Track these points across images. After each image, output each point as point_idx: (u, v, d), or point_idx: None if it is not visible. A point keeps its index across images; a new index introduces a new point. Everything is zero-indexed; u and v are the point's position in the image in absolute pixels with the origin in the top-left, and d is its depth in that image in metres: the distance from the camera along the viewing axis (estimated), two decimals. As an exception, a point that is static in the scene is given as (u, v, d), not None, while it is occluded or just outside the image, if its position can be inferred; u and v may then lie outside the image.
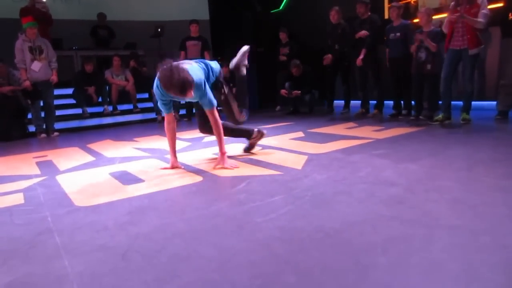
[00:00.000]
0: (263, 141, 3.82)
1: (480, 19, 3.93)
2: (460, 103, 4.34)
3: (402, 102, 5.19)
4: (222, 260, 1.38)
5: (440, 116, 4.31)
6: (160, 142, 4.24)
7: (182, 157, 3.26)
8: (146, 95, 7.30)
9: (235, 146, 3.50)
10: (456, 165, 2.51)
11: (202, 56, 6.48)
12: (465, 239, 1.43)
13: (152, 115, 6.90)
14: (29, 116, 5.66)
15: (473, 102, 4.31)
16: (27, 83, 5.20)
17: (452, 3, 4.17)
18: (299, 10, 8.42)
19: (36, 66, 5.24)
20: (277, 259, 1.36)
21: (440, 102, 4.41)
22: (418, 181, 2.19)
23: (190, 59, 6.64)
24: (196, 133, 4.66)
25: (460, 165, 2.50)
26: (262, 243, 1.49)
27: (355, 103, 6.06)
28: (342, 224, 1.63)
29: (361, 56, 5.29)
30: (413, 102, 4.97)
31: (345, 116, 5.71)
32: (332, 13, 5.89)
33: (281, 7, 9.00)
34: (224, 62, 6.92)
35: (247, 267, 1.32)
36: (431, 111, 4.60)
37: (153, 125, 6.29)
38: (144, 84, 7.11)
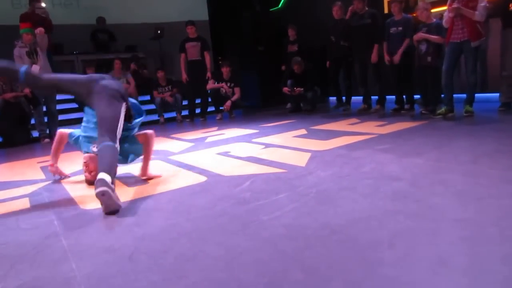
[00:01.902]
0: (266, 140, 3.83)
1: (477, 12, 3.91)
2: (462, 95, 4.31)
3: (404, 96, 5.17)
4: (228, 259, 1.38)
5: (443, 109, 4.29)
6: (163, 144, 4.24)
7: (185, 158, 3.27)
8: (147, 97, 7.31)
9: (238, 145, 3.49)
10: (461, 158, 2.50)
11: (202, 56, 6.48)
12: (472, 231, 1.42)
13: (154, 117, 6.91)
14: (33, 121, 5.69)
15: (476, 94, 4.28)
16: (27, 89, 5.22)
17: None
18: (298, 8, 8.41)
19: (34, 69, 5.25)
20: (284, 257, 1.36)
21: (443, 95, 4.39)
22: (423, 175, 2.18)
23: (190, 60, 6.65)
24: (198, 134, 4.67)
25: (465, 158, 2.48)
26: (268, 241, 1.49)
27: (356, 98, 6.05)
28: (348, 220, 1.63)
29: (374, 53, 5.22)
30: (417, 96, 4.94)
31: (347, 112, 5.69)
32: (336, 8, 5.84)
33: (280, 5, 8.99)
34: (224, 62, 6.95)
35: (254, 265, 1.32)
36: (433, 105, 4.58)
37: (155, 127, 6.29)
38: (145, 86, 7.13)
